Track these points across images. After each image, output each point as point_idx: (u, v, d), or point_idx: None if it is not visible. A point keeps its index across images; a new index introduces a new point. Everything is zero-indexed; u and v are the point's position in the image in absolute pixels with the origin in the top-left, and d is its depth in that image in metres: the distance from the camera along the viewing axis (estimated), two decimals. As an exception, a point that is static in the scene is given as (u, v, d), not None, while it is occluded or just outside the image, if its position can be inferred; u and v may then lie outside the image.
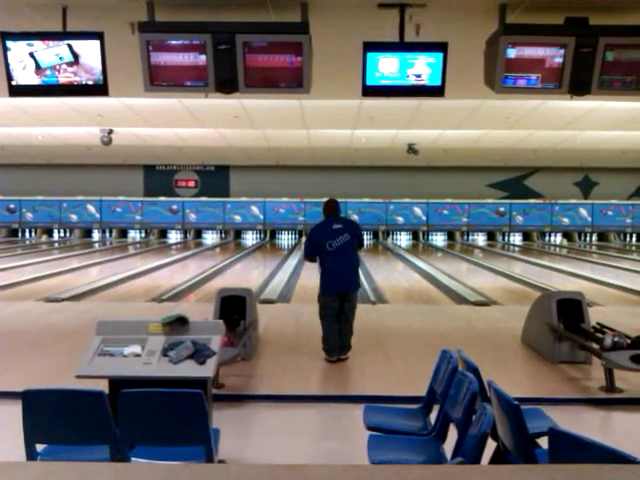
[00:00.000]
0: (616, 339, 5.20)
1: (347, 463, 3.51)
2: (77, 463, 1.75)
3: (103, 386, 3.10)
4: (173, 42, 5.05)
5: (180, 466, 1.69)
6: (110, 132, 14.81)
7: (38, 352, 6.26)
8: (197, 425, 2.83)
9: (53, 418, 2.87)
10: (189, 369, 3.28)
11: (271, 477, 1.60)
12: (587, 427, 4.49)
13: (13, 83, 5.26)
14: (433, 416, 3.46)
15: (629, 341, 5.21)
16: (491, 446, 2.86)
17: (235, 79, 5.09)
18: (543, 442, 2.82)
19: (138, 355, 3.41)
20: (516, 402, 2.60)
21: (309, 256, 6.22)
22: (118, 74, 5.52)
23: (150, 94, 5.59)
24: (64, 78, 5.22)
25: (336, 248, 5.95)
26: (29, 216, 23.95)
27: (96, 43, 5.14)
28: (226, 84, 5.13)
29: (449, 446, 2.98)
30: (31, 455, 2.83)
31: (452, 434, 3.04)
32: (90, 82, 5.24)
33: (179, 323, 3.58)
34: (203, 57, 5.04)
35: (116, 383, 3.26)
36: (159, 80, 5.14)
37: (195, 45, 5.03)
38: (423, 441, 3.21)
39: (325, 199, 6.41)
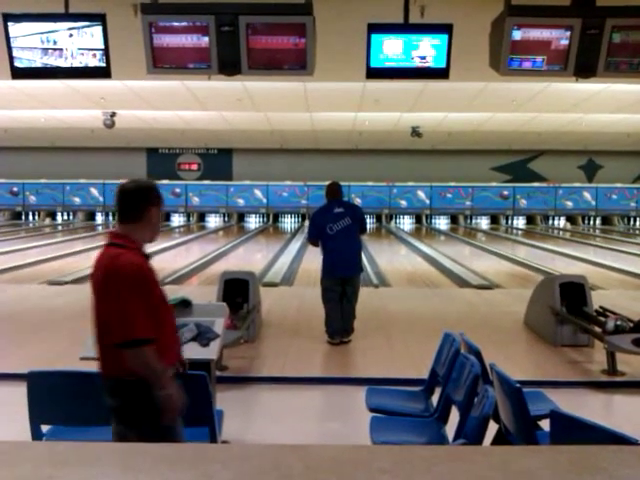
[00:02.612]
0: (618, 322, 5.21)
1: (350, 444, 3.54)
2: (82, 443, 1.76)
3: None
4: (176, 24, 5.01)
5: (184, 446, 1.70)
6: (113, 115, 14.76)
7: (42, 334, 6.30)
8: (201, 406, 2.85)
9: (58, 399, 2.89)
10: (193, 351, 3.30)
11: (275, 457, 1.61)
12: (589, 410, 4.50)
13: (15, 65, 5.23)
14: (435, 398, 3.48)
15: (631, 325, 5.22)
16: (493, 428, 2.88)
17: (238, 61, 5.05)
18: (544, 425, 2.83)
19: (142, 337, 3.42)
20: (518, 385, 2.61)
21: (312, 240, 6.23)
22: (121, 56, 5.49)
23: (153, 76, 5.56)
24: (66, 60, 5.19)
25: (337, 232, 5.94)
26: (32, 199, 23.97)
27: (98, 25, 5.10)
28: (229, 66, 5.09)
29: (451, 428, 3.00)
30: (36, 436, 2.85)
31: (454, 416, 3.06)
32: (92, 64, 5.21)
33: (183, 306, 3.60)
34: (206, 39, 4.99)
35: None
36: (162, 62, 5.10)
37: (198, 27, 4.99)
38: (425, 423, 3.23)
39: (328, 182, 6.40)
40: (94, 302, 2.46)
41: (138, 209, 2.47)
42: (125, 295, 2.35)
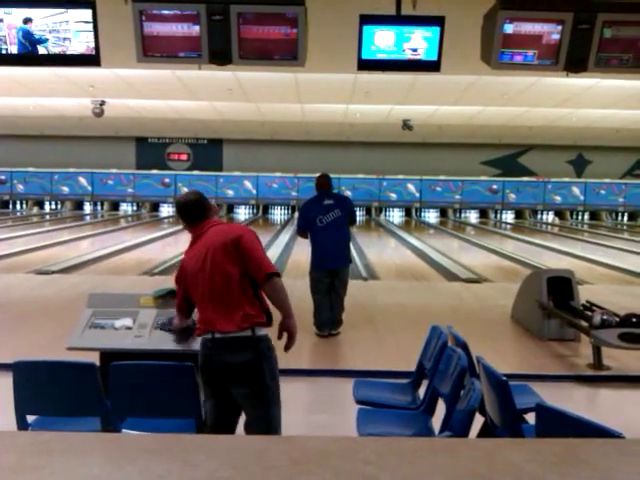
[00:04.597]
0: (605, 317, 5.24)
1: (335, 435, 3.54)
2: (67, 433, 1.75)
3: (94, 359, 3.11)
4: (166, 12, 4.97)
5: (170, 437, 1.70)
6: (102, 103, 14.64)
7: (29, 324, 6.26)
8: (188, 397, 2.85)
9: (44, 390, 2.87)
10: (180, 342, 3.28)
11: (261, 448, 1.61)
12: (574, 403, 4.54)
13: (3, 52, 5.17)
14: (422, 391, 3.49)
15: (617, 319, 5.25)
16: (479, 421, 2.89)
17: (229, 50, 5.02)
18: (530, 418, 2.85)
19: (129, 328, 3.41)
20: (504, 378, 2.62)
21: (301, 231, 6.22)
22: (110, 44, 5.43)
23: (143, 65, 5.51)
24: (55, 47, 5.13)
25: (327, 224, 5.94)
26: (20, 188, 23.76)
27: (88, 12, 5.04)
28: (220, 55, 5.06)
29: (437, 421, 3.01)
30: (22, 426, 2.84)
31: (440, 409, 3.07)
32: (82, 52, 5.16)
33: (171, 296, 3.58)
34: (197, 27, 4.96)
35: (107, 355, 3.27)
36: (152, 51, 5.06)
37: (189, 15, 4.95)
38: (411, 415, 3.24)
39: (318, 174, 6.39)
40: (218, 266, 2.87)
41: (210, 208, 3.12)
42: (257, 243, 2.96)
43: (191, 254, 3.01)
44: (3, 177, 23.64)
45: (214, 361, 2.86)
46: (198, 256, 2.95)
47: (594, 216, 23.99)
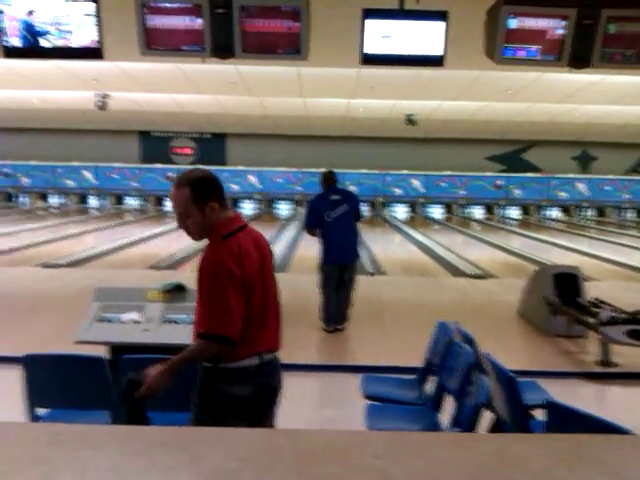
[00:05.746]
0: (612, 314, 5.23)
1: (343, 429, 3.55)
2: (78, 425, 1.76)
3: (102, 352, 3.12)
4: (169, 5, 4.96)
5: (179, 429, 1.70)
6: (105, 97, 14.62)
7: (36, 318, 6.28)
8: (187, 390, 2.84)
9: (54, 383, 2.88)
10: (188, 336, 3.28)
11: (266, 441, 1.62)
12: (582, 400, 4.53)
13: (7, 45, 5.17)
14: (428, 387, 3.49)
15: (625, 316, 5.24)
16: (488, 418, 2.89)
17: (232, 44, 5.01)
18: (538, 414, 2.85)
19: (137, 322, 3.41)
20: (512, 374, 2.62)
21: (309, 229, 6.17)
22: (114, 38, 5.42)
23: (146, 58, 5.50)
24: (59, 41, 5.13)
25: (335, 219, 5.93)
26: (25, 181, 23.77)
27: (92, 5, 5.04)
28: (223, 49, 5.05)
29: (444, 416, 3.02)
30: (32, 419, 2.85)
31: (447, 405, 3.07)
32: (85, 45, 5.15)
33: (178, 291, 3.58)
34: (199, 21, 4.95)
35: (116, 349, 3.27)
36: (155, 44, 5.06)
37: (191, 8, 4.94)
38: (419, 410, 3.24)
39: (323, 169, 6.38)
40: (274, 277, 2.66)
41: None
42: None
43: (250, 258, 2.46)
44: (8, 170, 23.62)
45: (269, 388, 2.56)
46: (256, 260, 2.50)
47: (599, 212, 23.90)
